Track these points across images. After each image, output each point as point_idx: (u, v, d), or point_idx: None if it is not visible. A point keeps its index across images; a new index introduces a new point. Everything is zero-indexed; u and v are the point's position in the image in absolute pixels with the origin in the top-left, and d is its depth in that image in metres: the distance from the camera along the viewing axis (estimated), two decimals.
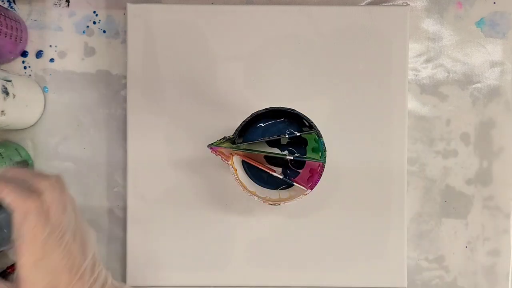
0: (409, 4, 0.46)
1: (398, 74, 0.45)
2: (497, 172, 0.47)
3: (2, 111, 0.39)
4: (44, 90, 0.46)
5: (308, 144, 0.41)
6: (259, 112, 0.38)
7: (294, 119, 0.41)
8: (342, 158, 0.45)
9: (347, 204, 0.45)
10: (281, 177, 0.40)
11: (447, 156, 0.47)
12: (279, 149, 0.42)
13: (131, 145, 0.45)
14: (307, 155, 0.41)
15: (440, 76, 0.47)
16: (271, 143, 0.42)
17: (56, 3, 0.46)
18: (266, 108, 0.38)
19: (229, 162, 0.39)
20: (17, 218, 0.32)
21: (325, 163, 0.38)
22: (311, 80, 0.45)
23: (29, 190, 0.32)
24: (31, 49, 0.46)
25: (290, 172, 0.42)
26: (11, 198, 0.31)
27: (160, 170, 0.45)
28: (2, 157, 0.43)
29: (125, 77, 0.46)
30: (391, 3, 0.47)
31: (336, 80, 0.45)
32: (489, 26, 0.47)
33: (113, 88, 0.46)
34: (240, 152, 0.39)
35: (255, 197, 0.39)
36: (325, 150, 0.38)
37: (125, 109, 0.46)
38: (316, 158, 0.39)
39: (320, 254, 0.45)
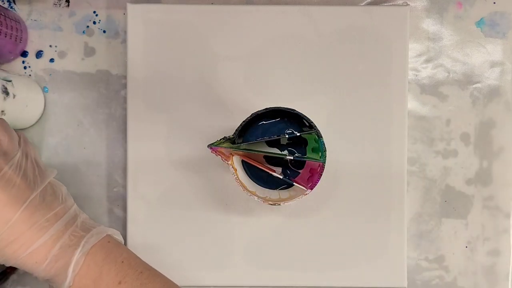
0: (409, 4, 0.46)
1: (398, 74, 0.45)
2: (497, 172, 0.47)
3: (2, 111, 0.39)
4: (44, 90, 0.46)
5: (308, 144, 0.41)
6: (259, 112, 0.38)
7: (294, 119, 0.41)
8: (342, 158, 0.45)
9: (347, 204, 0.45)
10: (281, 177, 0.40)
11: (447, 156, 0.47)
12: (279, 149, 0.42)
13: (131, 145, 0.45)
14: (307, 155, 0.41)
15: (440, 76, 0.47)
16: (271, 143, 0.42)
17: (56, 3, 0.46)
18: (266, 108, 0.38)
19: (229, 162, 0.39)
20: None
21: (325, 163, 0.38)
22: (311, 80, 0.45)
23: None
24: (31, 49, 0.46)
25: (290, 172, 0.42)
26: None
27: (160, 170, 0.45)
28: None
29: (125, 77, 0.46)
30: (391, 3, 0.47)
31: (336, 80, 0.45)
32: (489, 26, 0.47)
33: (113, 88, 0.46)
34: (240, 152, 0.39)
35: (255, 197, 0.39)
36: (325, 150, 0.38)
37: (125, 109, 0.46)
38: (316, 158, 0.40)
39: (320, 254, 0.45)
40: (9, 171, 0.34)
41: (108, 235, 0.38)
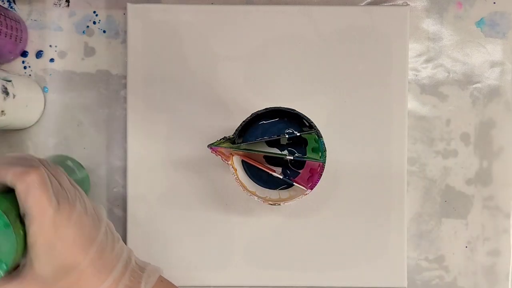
0: (409, 4, 0.46)
1: (398, 74, 0.45)
2: (497, 172, 0.47)
3: (2, 111, 0.39)
4: (44, 90, 0.46)
5: (308, 144, 0.41)
6: (259, 112, 0.38)
7: (294, 119, 0.41)
8: (342, 158, 0.45)
9: (347, 204, 0.45)
10: (281, 177, 0.40)
11: (447, 156, 0.47)
12: (279, 149, 0.42)
13: (131, 145, 0.45)
14: (307, 155, 0.41)
15: (440, 76, 0.47)
16: (271, 143, 0.42)
17: (56, 3, 0.46)
18: (266, 108, 0.38)
19: (229, 162, 0.39)
20: (20, 194, 0.30)
21: (325, 163, 0.38)
22: (311, 80, 0.45)
23: (26, 165, 0.31)
24: (31, 49, 0.46)
25: (290, 172, 0.42)
26: (10, 175, 0.30)
27: (160, 170, 0.45)
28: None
29: (125, 77, 0.46)
30: (391, 3, 0.47)
31: (336, 80, 0.45)
32: (489, 26, 0.47)
33: (113, 88, 0.46)
34: (240, 152, 0.39)
35: (255, 197, 0.39)
36: (325, 150, 0.38)
37: (125, 109, 0.46)
38: (316, 158, 0.39)
39: (320, 254, 0.45)
40: (81, 208, 0.32)
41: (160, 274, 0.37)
